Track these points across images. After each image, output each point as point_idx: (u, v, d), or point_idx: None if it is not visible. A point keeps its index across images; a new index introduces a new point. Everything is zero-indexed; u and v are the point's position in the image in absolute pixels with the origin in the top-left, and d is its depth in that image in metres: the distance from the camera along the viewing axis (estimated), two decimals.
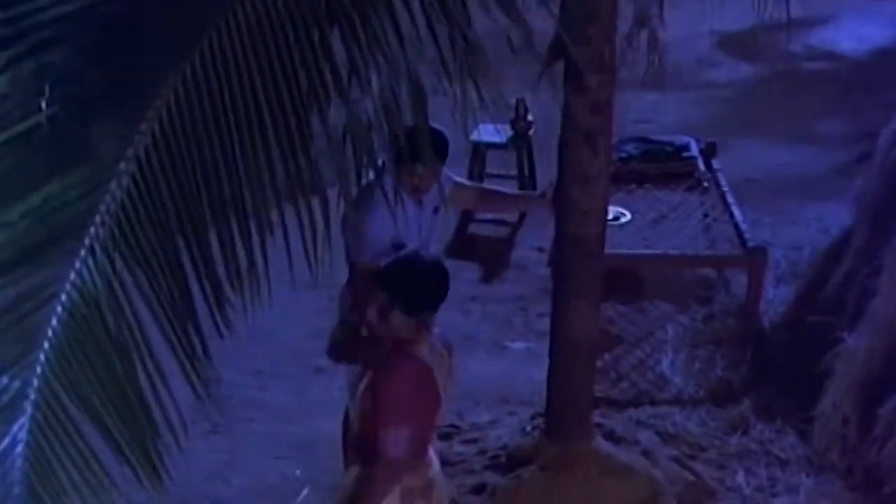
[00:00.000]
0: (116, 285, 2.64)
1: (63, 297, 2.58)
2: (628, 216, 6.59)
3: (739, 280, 6.36)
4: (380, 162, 3.84)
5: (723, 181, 6.92)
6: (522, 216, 7.26)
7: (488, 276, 6.83)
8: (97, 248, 2.60)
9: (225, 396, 5.44)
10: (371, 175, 3.23)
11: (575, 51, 3.80)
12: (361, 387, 3.32)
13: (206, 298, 2.79)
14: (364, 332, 3.52)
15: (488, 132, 7.24)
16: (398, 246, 3.98)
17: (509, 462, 4.66)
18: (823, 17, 11.79)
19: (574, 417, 4.53)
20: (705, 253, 6.21)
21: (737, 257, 6.07)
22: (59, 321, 2.58)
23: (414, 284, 3.29)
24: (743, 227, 6.27)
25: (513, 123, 7.29)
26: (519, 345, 6.10)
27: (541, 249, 6.72)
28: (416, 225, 4.25)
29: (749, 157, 8.24)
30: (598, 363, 5.11)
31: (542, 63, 3.84)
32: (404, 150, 3.88)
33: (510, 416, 5.30)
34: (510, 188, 7.48)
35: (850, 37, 10.98)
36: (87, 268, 2.60)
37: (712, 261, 6.36)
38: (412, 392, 3.22)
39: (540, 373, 4.76)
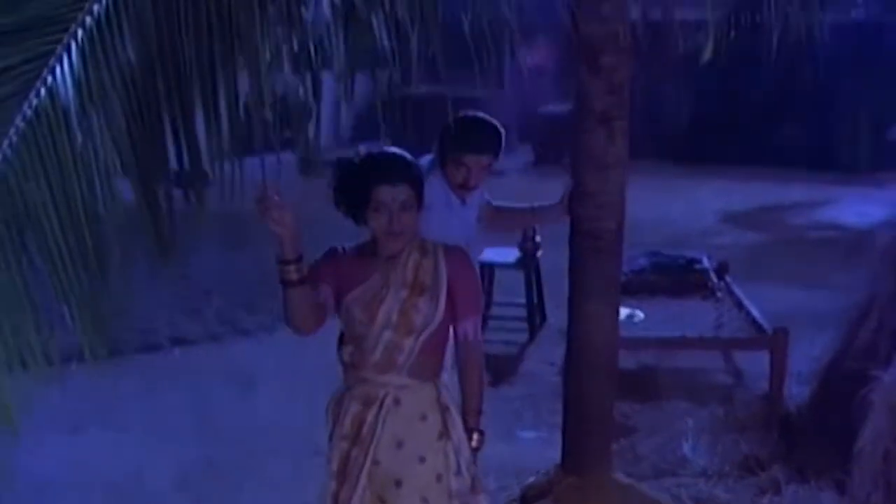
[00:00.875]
0: (89, 105, 2.50)
1: (32, 97, 2.44)
2: (642, 316, 6.42)
3: (756, 374, 6.18)
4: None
5: (737, 291, 6.77)
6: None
7: (497, 381, 6.56)
8: (75, 54, 2.48)
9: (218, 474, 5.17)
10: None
11: (590, 28, 3.78)
12: (401, 293, 3.13)
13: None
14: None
15: (496, 253, 7.19)
16: None
17: (524, 499, 4.25)
18: (826, 199, 12.06)
19: (592, 443, 4.17)
20: (727, 335, 5.99)
21: (759, 338, 5.86)
22: (24, 119, 2.42)
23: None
24: (760, 319, 6.09)
25: (521, 245, 7.26)
26: (530, 434, 5.78)
27: (552, 364, 6.55)
28: (459, 224, 4.00)
29: (762, 298, 8.10)
30: (615, 446, 4.78)
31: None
32: (454, 140, 3.81)
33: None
34: (518, 312, 7.39)
35: (854, 213, 11.09)
36: (63, 72, 2.46)
37: (734, 343, 6.13)
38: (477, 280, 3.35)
39: (553, 453, 4.46)
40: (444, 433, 3.19)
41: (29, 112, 2.43)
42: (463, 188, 4.04)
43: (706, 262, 7.04)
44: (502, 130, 4.08)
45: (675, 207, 11.33)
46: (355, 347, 3.19)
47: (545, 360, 6.83)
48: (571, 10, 3.80)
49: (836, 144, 13.59)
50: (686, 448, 5.46)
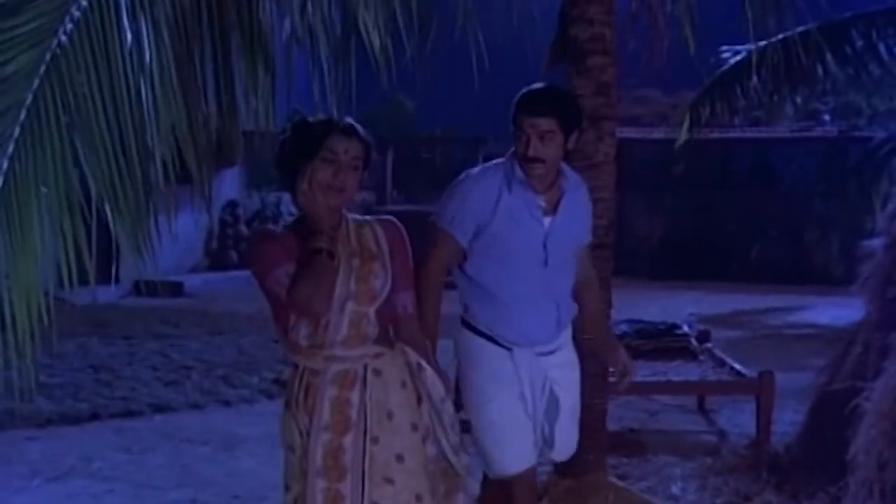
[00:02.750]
0: (139, 9, 2.62)
1: None
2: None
3: (739, 434, 6.27)
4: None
5: (718, 353, 6.85)
6: None
7: None
8: None
9: None
10: None
11: (578, 31, 3.97)
12: (353, 261, 3.03)
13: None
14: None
15: None
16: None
17: None
18: (800, 305, 12.22)
19: (586, 443, 4.14)
20: (714, 380, 6.02)
21: (746, 382, 5.90)
22: (79, 9, 2.52)
23: None
24: (745, 371, 6.16)
25: None
26: None
27: None
28: (530, 223, 3.44)
29: None
30: None
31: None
32: (514, 108, 3.44)
33: None
34: None
35: (828, 316, 11.22)
36: None
37: (721, 387, 6.15)
38: (411, 253, 3.21)
39: None
40: (424, 395, 3.12)
41: (85, 2, 2.53)
42: (527, 162, 3.38)
43: (686, 329, 7.12)
44: (573, 100, 3.60)
45: (650, 311, 11.42)
46: (314, 328, 2.99)
47: None
48: (560, 13, 3.98)
49: (808, 258, 13.87)
50: (676, 489, 5.42)
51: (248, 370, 8.03)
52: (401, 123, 19.80)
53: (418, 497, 3.01)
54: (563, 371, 3.58)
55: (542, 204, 3.44)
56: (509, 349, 3.46)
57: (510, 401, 3.44)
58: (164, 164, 2.67)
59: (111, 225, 2.59)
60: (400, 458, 3.02)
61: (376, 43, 3.27)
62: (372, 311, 3.02)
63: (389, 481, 2.98)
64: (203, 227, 14.75)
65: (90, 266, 2.59)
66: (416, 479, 3.02)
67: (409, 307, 3.16)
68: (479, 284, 3.48)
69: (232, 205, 15.62)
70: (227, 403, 7.33)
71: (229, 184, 15.52)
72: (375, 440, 3.00)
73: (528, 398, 3.46)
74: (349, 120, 3.01)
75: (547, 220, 3.45)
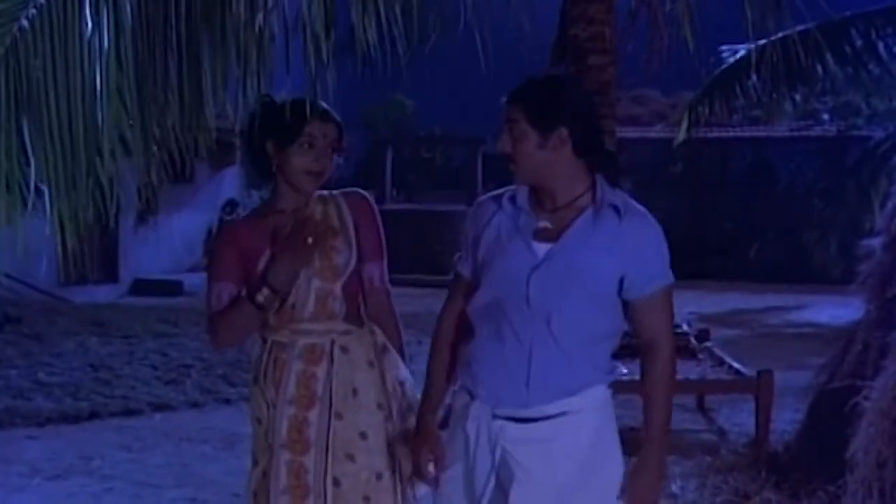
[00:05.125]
0: None
1: None
2: (625, 371, 6.42)
3: (738, 432, 6.29)
4: None
5: (718, 352, 6.85)
6: None
7: None
8: None
9: None
10: None
11: (578, 29, 3.98)
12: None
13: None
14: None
15: None
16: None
17: None
18: (799, 304, 12.23)
19: None
20: (713, 378, 6.02)
21: (745, 380, 5.90)
22: None
23: None
24: (744, 370, 6.16)
25: None
26: None
27: None
28: (516, 248, 2.68)
29: None
30: None
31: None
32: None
33: None
34: None
35: (827, 315, 11.24)
36: None
37: (720, 385, 6.15)
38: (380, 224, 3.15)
39: None
40: (388, 377, 3.09)
41: None
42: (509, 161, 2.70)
43: (686, 327, 7.12)
44: (557, 88, 2.67)
45: None
46: (280, 305, 2.97)
47: None
48: (561, 12, 3.99)
49: (807, 257, 13.89)
50: (675, 487, 5.43)
51: (248, 369, 7.99)
52: (400, 123, 19.81)
53: (378, 475, 2.99)
54: (538, 452, 2.65)
55: (542, 226, 2.67)
56: (472, 398, 2.74)
57: (451, 456, 2.78)
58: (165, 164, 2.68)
59: (48, 212, 2.59)
60: (363, 436, 3.01)
61: (375, 41, 3.27)
62: (338, 287, 3.00)
63: (351, 458, 2.97)
64: (202, 225, 14.77)
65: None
66: (378, 457, 3.00)
67: (376, 280, 3.09)
68: (469, 311, 2.81)
69: (231, 203, 15.63)
70: (227, 402, 7.34)
71: (229, 182, 15.53)
72: (339, 416, 3.00)
73: (472, 466, 2.72)
74: (321, 103, 2.98)
75: (542, 248, 2.65)
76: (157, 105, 2.77)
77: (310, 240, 2.86)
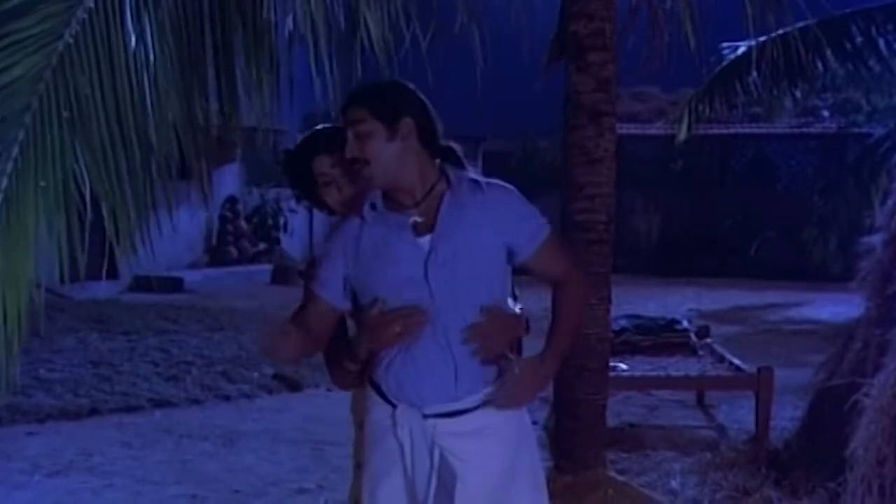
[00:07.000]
0: (143, 9, 2.63)
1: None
2: (625, 367, 6.46)
3: (738, 429, 6.30)
4: None
5: (718, 348, 6.86)
6: None
7: None
8: None
9: None
10: None
11: (578, 26, 3.97)
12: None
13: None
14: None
15: None
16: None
17: None
18: (799, 301, 12.22)
19: (585, 438, 4.17)
20: (713, 375, 6.03)
21: (745, 377, 5.91)
22: (85, 10, 2.53)
23: None
24: (744, 367, 6.17)
25: None
26: None
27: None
28: (399, 249, 2.68)
29: None
30: None
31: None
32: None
33: None
34: None
35: (828, 312, 11.24)
36: None
37: (720, 382, 6.17)
38: None
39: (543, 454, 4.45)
40: None
41: (91, 3, 2.54)
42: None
43: (686, 324, 7.13)
44: (392, 85, 2.78)
45: (649, 307, 11.46)
46: None
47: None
48: (560, 8, 3.98)
49: (807, 255, 13.87)
50: (675, 484, 5.43)
51: (248, 366, 8.03)
52: None
53: None
54: (475, 443, 2.66)
55: (415, 220, 2.68)
56: (394, 405, 2.70)
57: (383, 468, 2.72)
58: (167, 161, 2.68)
59: (107, 222, 2.60)
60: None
61: (378, 40, 3.28)
62: None
63: None
64: (203, 222, 14.75)
65: (81, 261, 2.59)
66: None
67: None
68: None
69: (232, 200, 15.61)
70: (227, 399, 7.34)
71: (229, 180, 15.50)
72: None
73: (411, 471, 2.69)
74: (325, 128, 2.94)
75: (424, 240, 2.65)
76: (201, 109, 2.79)
77: (398, 329, 2.66)
